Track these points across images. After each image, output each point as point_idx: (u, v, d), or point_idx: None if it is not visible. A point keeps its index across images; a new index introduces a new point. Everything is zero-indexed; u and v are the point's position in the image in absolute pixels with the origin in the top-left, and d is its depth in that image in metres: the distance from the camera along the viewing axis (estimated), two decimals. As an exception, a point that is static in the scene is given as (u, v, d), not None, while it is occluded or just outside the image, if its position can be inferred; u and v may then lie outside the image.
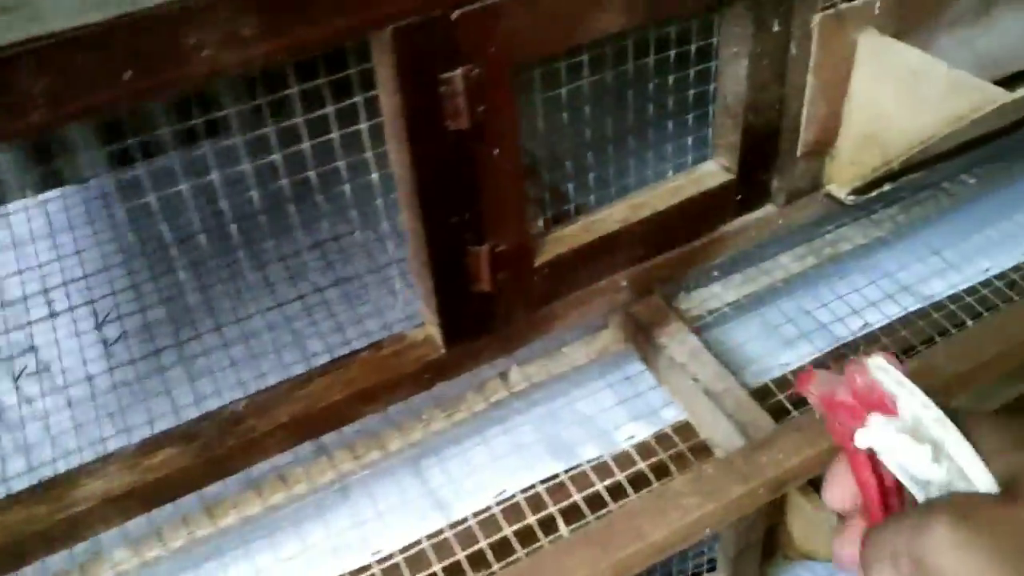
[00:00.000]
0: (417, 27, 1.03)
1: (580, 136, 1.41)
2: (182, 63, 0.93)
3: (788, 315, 1.63)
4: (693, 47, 1.35)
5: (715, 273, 1.63)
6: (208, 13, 0.92)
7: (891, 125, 1.39)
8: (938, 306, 1.65)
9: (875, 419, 0.67)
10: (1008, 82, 1.72)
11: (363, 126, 1.16)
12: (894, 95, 1.37)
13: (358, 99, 1.13)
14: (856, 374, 0.69)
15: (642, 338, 1.49)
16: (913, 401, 0.66)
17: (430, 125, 1.11)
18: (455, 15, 1.05)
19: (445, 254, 1.24)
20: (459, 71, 1.08)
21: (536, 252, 1.34)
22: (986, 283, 1.70)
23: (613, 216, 1.40)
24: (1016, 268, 1.73)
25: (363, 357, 1.36)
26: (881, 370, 0.69)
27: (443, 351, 1.34)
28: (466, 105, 1.11)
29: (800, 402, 1.46)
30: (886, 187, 1.52)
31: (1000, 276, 1.72)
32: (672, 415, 1.47)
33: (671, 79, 1.38)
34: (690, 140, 1.46)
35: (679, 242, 1.48)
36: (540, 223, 1.59)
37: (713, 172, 1.46)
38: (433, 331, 1.34)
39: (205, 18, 0.92)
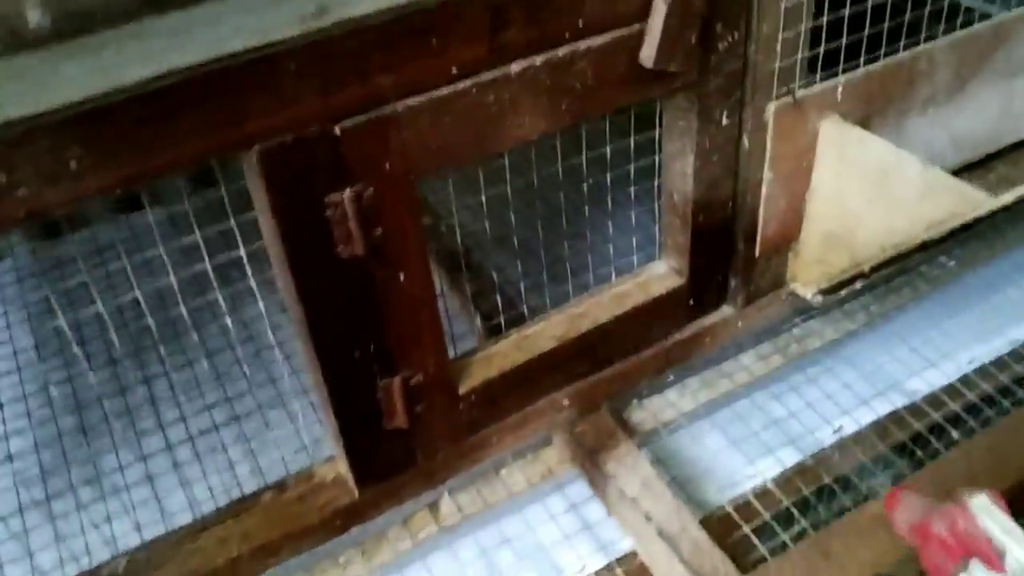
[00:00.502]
0: (291, 146, 0.87)
1: (515, 238, 1.26)
2: (-9, 205, 0.76)
3: (751, 424, 1.46)
4: (632, 141, 1.20)
5: (670, 378, 1.47)
6: (22, 147, 0.75)
7: (860, 224, 1.24)
8: (916, 411, 1.49)
9: (977, 568, 0.65)
10: (989, 161, 1.59)
11: (241, 252, 0.99)
12: (862, 192, 1.22)
13: (231, 224, 0.96)
14: (958, 516, 0.68)
15: (589, 463, 1.32)
16: (1022, 554, 0.64)
17: (317, 252, 0.95)
18: (338, 130, 0.89)
19: (350, 390, 1.07)
20: (347, 192, 0.92)
21: (459, 379, 1.17)
22: (966, 381, 1.54)
23: (549, 331, 1.24)
24: (998, 362, 1.57)
25: (265, 501, 1.18)
26: (986, 513, 0.67)
27: (356, 494, 1.17)
28: (359, 229, 0.94)
29: (762, 531, 1.29)
30: (858, 285, 1.37)
31: (981, 371, 1.56)
32: (624, 548, 1.30)
33: (610, 176, 1.23)
34: (634, 240, 1.30)
35: (626, 354, 1.31)
36: (479, 328, 1.43)
37: (662, 275, 1.30)
38: (344, 471, 1.17)
39: (18, 153, 0.75)
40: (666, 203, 1.25)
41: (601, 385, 1.31)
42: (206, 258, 0.98)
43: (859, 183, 1.22)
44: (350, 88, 0.87)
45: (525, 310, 1.41)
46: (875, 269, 1.25)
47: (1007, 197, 1.07)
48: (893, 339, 1.62)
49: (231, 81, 0.81)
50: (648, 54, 1.01)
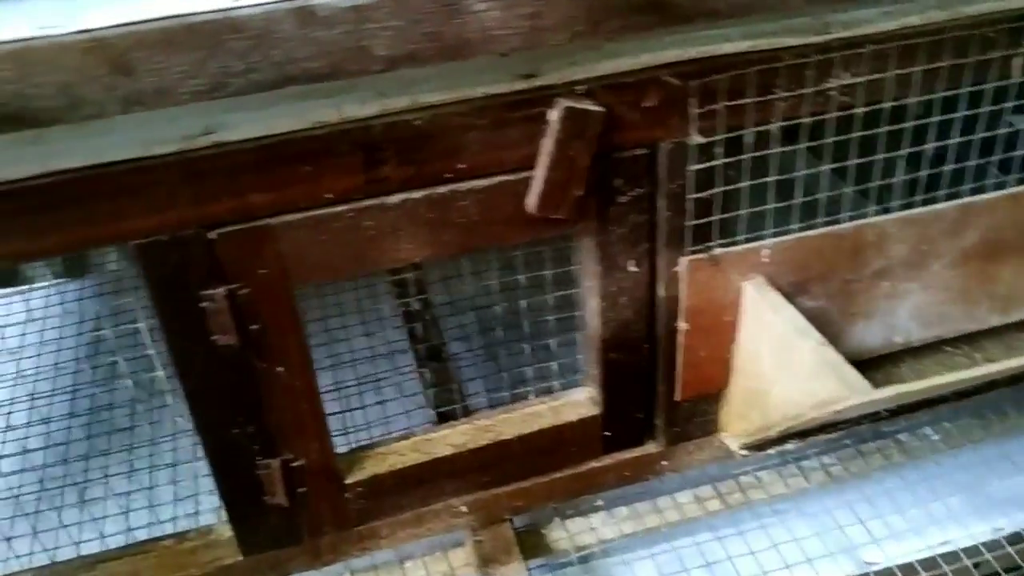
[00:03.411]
0: (166, 244, 0.98)
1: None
2: None
3: (674, 566, 1.44)
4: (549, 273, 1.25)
5: (599, 501, 1.48)
6: (-82, 217, 0.90)
7: (771, 388, 1.23)
8: (866, 582, 1.42)
9: None
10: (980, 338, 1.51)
11: (141, 324, 1.11)
12: (772, 356, 1.21)
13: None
14: None
15: (482, 574, 1.35)
16: None
17: (193, 337, 1.05)
18: (213, 235, 0.99)
19: (232, 463, 1.17)
20: (221, 289, 1.02)
21: (348, 470, 1.24)
22: (929, 563, 1.46)
23: (450, 438, 1.29)
24: (973, 552, 1.48)
25: (162, 547, 1.28)
26: None
27: (240, 557, 1.26)
28: (233, 323, 1.04)
29: None
30: (790, 445, 1.35)
31: (950, 557, 1.47)
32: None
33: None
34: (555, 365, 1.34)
35: (533, 473, 1.34)
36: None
37: (578, 403, 1.33)
38: (231, 534, 1.26)
39: (-84, 223, 0.90)
40: (585, 335, 1.28)
41: (503, 498, 1.34)
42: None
43: (771, 347, 1.21)
44: (223, 202, 0.97)
45: (461, 408, 1.47)
46: (783, 436, 1.24)
47: (888, 391, 1.05)
48: (858, 503, 1.56)
49: (108, 185, 0.93)
50: (531, 201, 1.06)
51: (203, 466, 1.44)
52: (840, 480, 1.55)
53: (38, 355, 1.85)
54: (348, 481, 1.24)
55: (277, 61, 0.86)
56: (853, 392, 1.05)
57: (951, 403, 1.47)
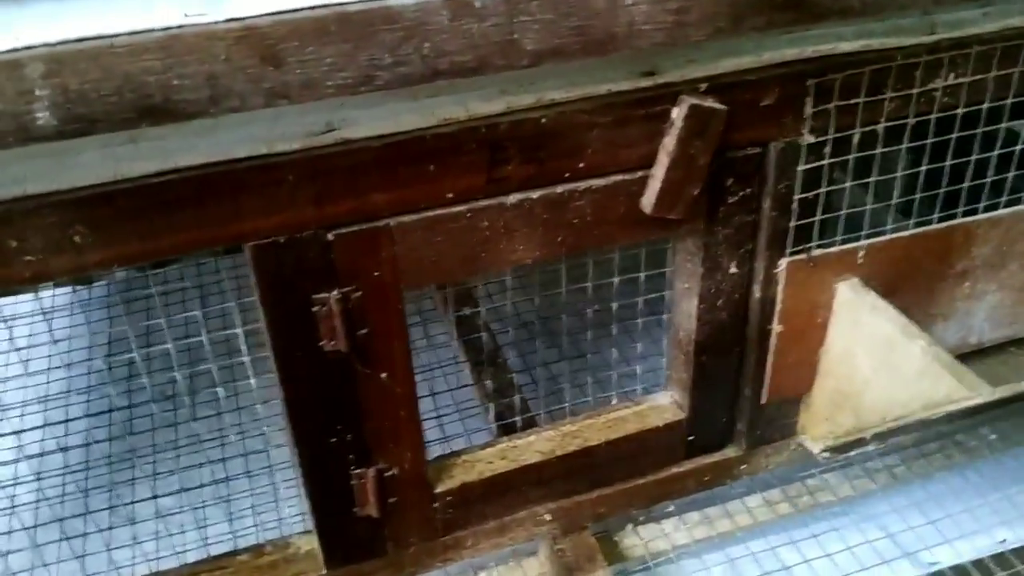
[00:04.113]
0: (283, 245, 0.94)
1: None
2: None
3: (752, 570, 1.43)
4: (642, 274, 1.22)
5: (670, 507, 1.45)
6: (33, 219, 0.84)
7: (866, 389, 1.22)
8: (941, 581, 1.43)
9: None
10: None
11: (239, 330, 1.06)
12: (870, 358, 1.20)
13: (231, 304, 1.04)
14: None
15: (564, 582, 1.32)
16: None
17: (301, 343, 1.01)
18: (330, 236, 0.95)
19: (325, 473, 1.12)
20: (335, 293, 0.98)
21: (437, 479, 1.20)
22: (999, 559, 1.47)
23: (536, 445, 1.26)
24: (1039, 547, 1.49)
25: (239, 562, 1.23)
26: None
27: (324, 571, 1.21)
28: (343, 328, 1.00)
29: None
30: (870, 447, 1.33)
31: (1019, 552, 1.49)
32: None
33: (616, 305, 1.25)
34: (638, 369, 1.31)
35: (616, 479, 1.31)
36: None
37: (662, 407, 1.30)
38: (317, 546, 1.21)
39: (29, 224, 0.84)
40: (672, 338, 1.26)
41: (586, 505, 1.32)
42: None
43: (868, 348, 1.20)
44: (344, 201, 0.93)
45: (541, 416, 1.43)
46: (877, 437, 1.23)
47: (1006, 389, 1.04)
48: (923, 503, 1.56)
49: (230, 183, 0.88)
50: (648, 201, 1.04)
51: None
52: (905, 480, 1.55)
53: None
54: (438, 490, 1.20)
55: (426, 54, 0.82)
56: (975, 391, 1.04)
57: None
